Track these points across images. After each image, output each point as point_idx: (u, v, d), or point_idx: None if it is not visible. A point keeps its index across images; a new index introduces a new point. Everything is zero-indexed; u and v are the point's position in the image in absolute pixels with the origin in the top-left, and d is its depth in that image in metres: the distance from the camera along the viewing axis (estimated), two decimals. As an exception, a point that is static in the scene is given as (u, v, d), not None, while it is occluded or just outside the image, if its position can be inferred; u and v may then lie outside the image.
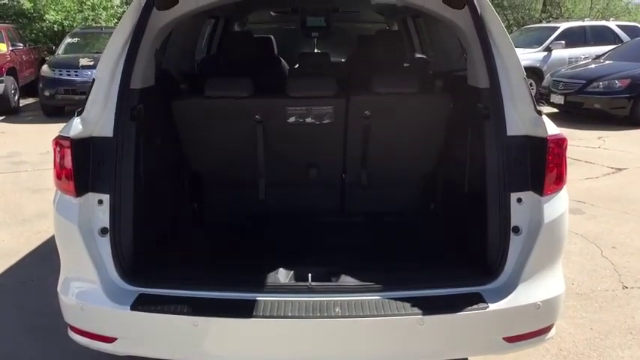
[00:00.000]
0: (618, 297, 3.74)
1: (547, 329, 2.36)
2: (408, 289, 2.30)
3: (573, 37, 13.35)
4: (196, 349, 2.26)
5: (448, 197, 3.31)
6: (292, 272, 2.49)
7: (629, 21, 18.16)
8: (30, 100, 13.41)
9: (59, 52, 12.75)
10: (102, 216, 2.34)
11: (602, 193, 6.05)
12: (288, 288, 2.37)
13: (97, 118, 2.37)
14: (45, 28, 17.04)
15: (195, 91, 3.63)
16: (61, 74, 11.35)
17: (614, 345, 3.18)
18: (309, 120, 3.11)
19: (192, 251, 2.88)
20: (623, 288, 3.87)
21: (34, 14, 16.96)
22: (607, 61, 11.29)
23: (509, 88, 2.37)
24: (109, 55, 2.40)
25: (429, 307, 2.21)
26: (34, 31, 17.09)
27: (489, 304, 2.22)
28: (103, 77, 2.39)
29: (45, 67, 11.88)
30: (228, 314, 2.21)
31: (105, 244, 2.33)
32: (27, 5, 16.75)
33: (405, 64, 4.55)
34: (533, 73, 12.10)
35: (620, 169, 7.06)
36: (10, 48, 12.71)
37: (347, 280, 2.42)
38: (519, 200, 2.34)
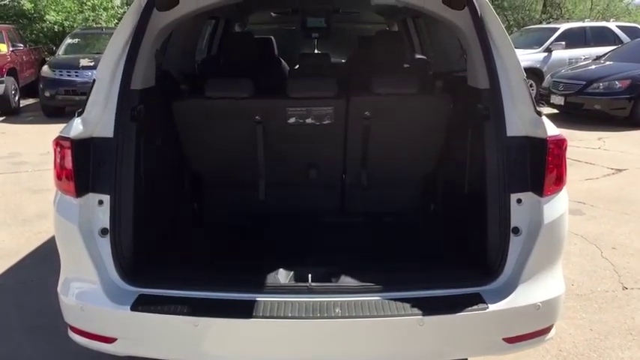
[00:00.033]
0: (618, 298, 3.74)
1: (547, 330, 2.36)
2: (407, 289, 2.30)
3: (573, 38, 13.36)
4: (196, 349, 2.26)
5: (448, 198, 3.31)
6: (292, 272, 2.49)
7: (630, 22, 18.17)
8: (30, 101, 13.42)
9: (59, 53, 12.77)
10: (102, 216, 2.34)
11: (602, 194, 6.05)
12: (288, 288, 2.37)
13: (97, 119, 2.37)
14: (45, 29, 17.08)
15: (195, 92, 3.62)
16: (61, 75, 11.37)
17: (613, 346, 3.18)
18: (309, 120, 3.11)
19: (192, 251, 2.88)
20: (623, 289, 3.87)
21: (35, 15, 16.99)
22: (607, 62, 11.29)
23: (509, 89, 2.37)
24: (109, 56, 2.40)
25: (429, 307, 2.21)
26: (35, 32, 17.13)
27: (489, 305, 2.22)
28: (104, 78, 2.39)
29: (45, 68, 11.90)
30: (228, 315, 2.21)
31: (105, 245, 2.33)
32: (27, 6, 16.77)
33: (405, 65, 4.55)
34: (534, 74, 12.10)
35: (620, 170, 7.06)
36: (11, 48, 12.73)
37: (347, 280, 2.41)
38: (519, 201, 2.34)
